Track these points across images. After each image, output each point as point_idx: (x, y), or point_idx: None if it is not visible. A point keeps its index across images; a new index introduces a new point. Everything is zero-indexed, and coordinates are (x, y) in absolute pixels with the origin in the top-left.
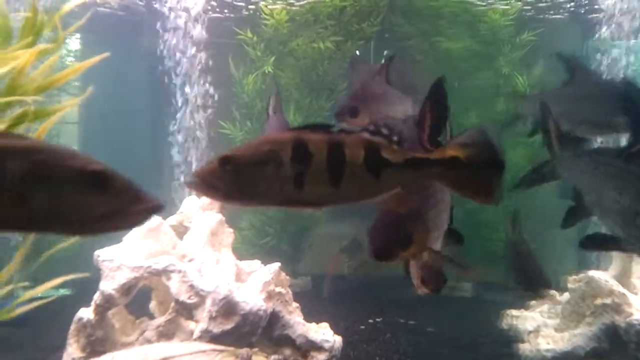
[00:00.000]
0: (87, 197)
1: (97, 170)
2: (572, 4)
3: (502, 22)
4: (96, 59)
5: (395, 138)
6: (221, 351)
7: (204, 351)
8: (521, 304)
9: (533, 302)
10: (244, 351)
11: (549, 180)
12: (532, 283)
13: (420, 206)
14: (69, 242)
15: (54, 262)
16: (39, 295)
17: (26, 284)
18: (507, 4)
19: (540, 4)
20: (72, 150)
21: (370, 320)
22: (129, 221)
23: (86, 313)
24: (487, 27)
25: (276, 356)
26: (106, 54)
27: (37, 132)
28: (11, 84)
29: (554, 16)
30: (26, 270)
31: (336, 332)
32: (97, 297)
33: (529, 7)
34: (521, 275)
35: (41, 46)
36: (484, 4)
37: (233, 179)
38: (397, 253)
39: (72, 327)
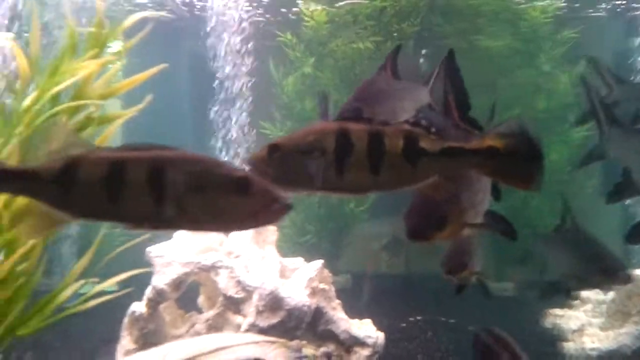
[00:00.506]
0: (234, 200)
1: (241, 177)
2: (611, 2)
3: (541, 20)
4: (155, 69)
5: (433, 129)
6: (272, 342)
7: (256, 342)
8: (564, 303)
9: (576, 302)
10: (295, 343)
11: (596, 160)
12: (608, 269)
13: (455, 187)
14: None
15: (103, 259)
16: (104, 289)
17: (96, 280)
18: (545, 2)
19: (576, 4)
20: (217, 159)
21: (411, 319)
22: (269, 219)
23: (139, 307)
24: (527, 24)
25: (324, 349)
26: (165, 65)
27: (101, 136)
28: (78, 92)
29: (594, 14)
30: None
31: (378, 329)
32: (149, 291)
33: (566, 5)
34: (591, 263)
35: (104, 58)
36: (523, 1)
37: (280, 166)
38: (433, 233)
39: (126, 320)
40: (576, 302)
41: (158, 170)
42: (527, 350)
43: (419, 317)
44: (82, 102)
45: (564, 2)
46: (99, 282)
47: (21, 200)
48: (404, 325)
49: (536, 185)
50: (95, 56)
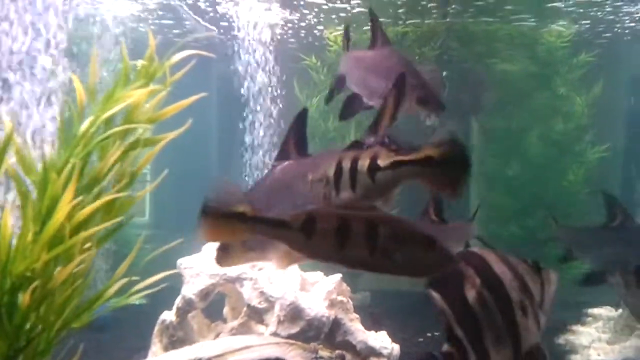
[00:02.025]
0: (423, 254)
1: (430, 236)
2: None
3: (558, 44)
4: (196, 97)
5: (393, 146)
6: (292, 344)
7: (277, 343)
8: (579, 319)
9: (589, 319)
10: (312, 345)
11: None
12: None
13: None
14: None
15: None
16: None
17: (137, 278)
18: (562, 27)
19: (598, 28)
20: (410, 220)
21: (429, 334)
22: (443, 269)
23: (169, 315)
24: (544, 48)
25: (339, 351)
26: (204, 94)
27: (146, 156)
28: (128, 117)
29: (617, 34)
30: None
31: (394, 342)
32: (178, 300)
33: (584, 29)
34: None
35: (152, 87)
36: (538, 25)
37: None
38: None
39: (156, 328)
40: (589, 319)
41: (373, 226)
42: None
43: (436, 333)
44: (132, 125)
45: (577, 26)
46: (139, 281)
47: (81, 215)
48: (421, 340)
49: (460, 191)
50: (144, 86)
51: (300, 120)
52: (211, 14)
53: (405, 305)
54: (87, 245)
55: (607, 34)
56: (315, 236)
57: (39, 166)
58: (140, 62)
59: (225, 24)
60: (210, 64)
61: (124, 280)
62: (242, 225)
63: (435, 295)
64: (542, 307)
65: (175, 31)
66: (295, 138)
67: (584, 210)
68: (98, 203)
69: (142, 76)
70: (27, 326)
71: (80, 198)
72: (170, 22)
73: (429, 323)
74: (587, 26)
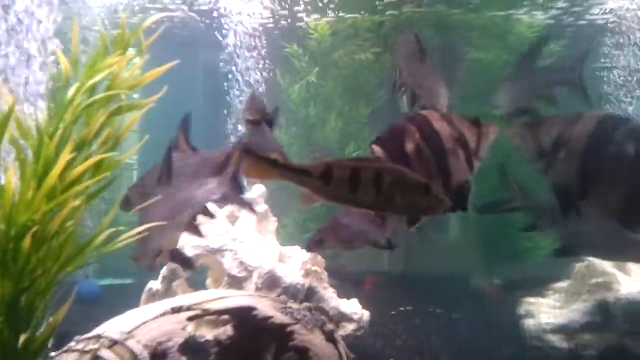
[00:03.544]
0: (421, 197)
1: (426, 183)
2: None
3: (529, 34)
4: (171, 64)
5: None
6: (263, 297)
7: (250, 295)
8: (541, 293)
9: (550, 292)
10: (282, 298)
11: None
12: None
13: None
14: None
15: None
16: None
17: (124, 228)
18: (531, 18)
19: (562, 18)
20: (409, 170)
21: (402, 308)
22: (439, 212)
23: (155, 284)
24: (516, 38)
25: (307, 304)
26: (177, 61)
27: (128, 122)
28: (110, 85)
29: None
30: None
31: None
32: (164, 270)
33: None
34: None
35: (129, 55)
36: (512, 14)
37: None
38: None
39: (143, 296)
40: (550, 292)
41: (379, 175)
42: (495, 330)
43: (409, 307)
44: (114, 92)
45: (547, 16)
46: (126, 231)
47: (73, 174)
48: (394, 313)
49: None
50: (122, 55)
51: (186, 122)
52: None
53: (383, 284)
54: (79, 199)
55: (577, 24)
56: (332, 182)
57: (34, 132)
58: (115, 32)
59: (206, 8)
60: (197, 54)
61: (111, 230)
62: (274, 169)
63: (376, 149)
64: (477, 154)
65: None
66: (185, 135)
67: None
68: (88, 163)
69: (118, 46)
70: (30, 269)
71: (72, 155)
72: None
73: (403, 300)
74: (558, 16)
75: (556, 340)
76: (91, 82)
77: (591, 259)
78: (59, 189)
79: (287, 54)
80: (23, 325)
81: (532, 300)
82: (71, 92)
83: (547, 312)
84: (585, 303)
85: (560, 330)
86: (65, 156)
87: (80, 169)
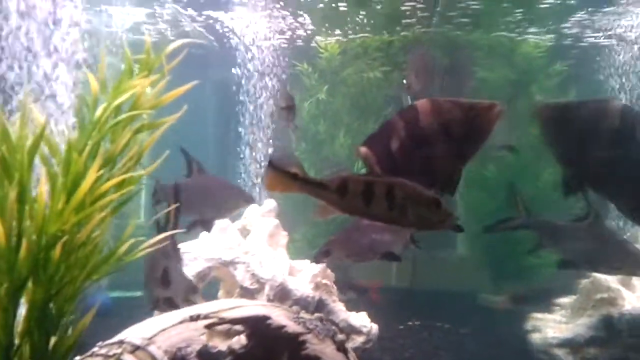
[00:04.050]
0: (429, 211)
1: (435, 198)
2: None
3: (535, 54)
4: (191, 84)
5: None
6: (277, 306)
7: (264, 305)
8: (548, 309)
9: (557, 307)
10: (294, 308)
11: None
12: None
13: None
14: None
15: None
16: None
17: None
18: (538, 39)
19: (565, 41)
20: (419, 185)
21: (410, 323)
22: (447, 228)
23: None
24: (521, 58)
25: (319, 314)
26: (197, 82)
27: (150, 138)
28: (134, 104)
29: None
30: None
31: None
32: None
33: (558, 41)
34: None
35: (153, 77)
36: (517, 37)
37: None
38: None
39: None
40: (556, 307)
41: (391, 189)
42: (503, 344)
43: (417, 322)
44: (137, 112)
45: (553, 36)
46: (144, 241)
47: (100, 188)
48: (402, 327)
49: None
50: (146, 77)
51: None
52: (208, 22)
53: (390, 299)
54: (105, 212)
55: (581, 44)
56: (347, 196)
57: (62, 149)
58: (140, 57)
59: (219, 28)
60: (206, 71)
61: (132, 240)
62: (294, 182)
63: (362, 149)
64: (472, 139)
65: (172, 38)
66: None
67: (555, 210)
68: (115, 180)
69: (143, 68)
70: (58, 276)
71: (100, 172)
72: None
73: (410, 314)
74: (564, 37)
75: (561, 353)
76: (116, 102)
77: (596, 274)
78: (87, 202)
79: (297, 72)
80: (52, 329)
81: (538, 315)
82: (99, 111)
83: (552, 326)
84: (590, 318)
85: (566, 344)
86: (94, 171)
87: (108, 184)
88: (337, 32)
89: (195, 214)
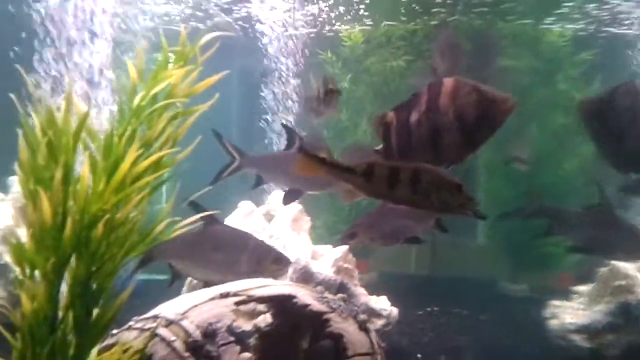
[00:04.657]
0: (451, 195)
1: (457, 182)
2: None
3: (559, 42)
4: (221, 74)
5: None
6: (302, 286)
7: (290, 284)
8: (567, 297)
9: (575, 295)
10: (319, 288)
11: None
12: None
13: None
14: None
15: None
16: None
17: (179, 218)
18: (561, 27)
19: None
20: (442, 170)
21: (429, 309)
22: (467, 211)
23: None
24: (546, 47)
25: (342, 294)
26: (227, 71)
27: (182, 126)
28: (169, 93)
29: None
30: None
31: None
32: None
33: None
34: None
35: (187, 68)
36: (542, 25)
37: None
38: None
39: (184, 288)
40: (575, 295)
41: (415, 174)
42: (519, 330)
43: (435, 308)
44: (172, 100)
45: (581, 25)
46: (179, 221)
47: (138, 169)
48: (421, 313)
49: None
50: (182, 67)
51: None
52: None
53: (410, 285)
54: (142, 193)
55: (606, 33)
56: (372, 180)
57: (100, 135)
58: (175, 49)
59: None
60: (231, 59)
61: (168, 220)
62: (322, 166)
63: (390, 114)
64: (478, 129)
65: (201, 26)
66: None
67: (577, 197)
68: (152, 159)
69: (178, 59)
70: (100, 254)
71: (138, 153)
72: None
73: (429, 300)
74: (588, 26)
75: (579, 339)
76: (153, 91)
77: (615, 262)
78: (127, 183)
79: (320, 61)
80: (93, 303)
81: (557, 302)
82: (137, 99)
83: (570, 313)
84: (607, 304)
85: (583, 330)
86: (132, 153)
87: (144, 164)
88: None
89: (288, 184)
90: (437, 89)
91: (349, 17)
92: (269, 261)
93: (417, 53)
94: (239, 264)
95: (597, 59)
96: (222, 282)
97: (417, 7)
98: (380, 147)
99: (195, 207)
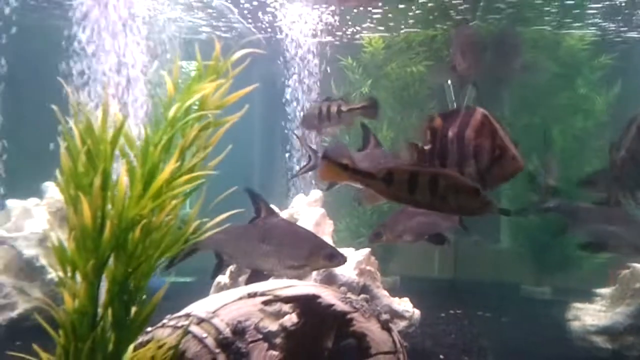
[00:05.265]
0: (469, 199)
1: (475, 187)
2: None
3: (579, 47)
4: (250, 87)
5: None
6: (326, 287)
7: (314, 285)
8: (589, 300)
9: (597, 298)
10: (342, 289)
11: None
12: None
13: None
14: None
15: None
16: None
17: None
18: (581, 32)
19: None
20: (460, 175)
21: (451, 311)
22: (485, 212)
23: (223, 278)
24: (565, 51)
25: (364, 295)
26: (256, 85)
27: (214, 136)
28: (201, 105)
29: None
30: None
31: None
32: (232, 266)
33: (601, 35)
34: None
35: (219, 81)
36: (561, 31)
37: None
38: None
39: (212, 289)
40: (597, 298)
41: (434, 178)
42: (541, 332)
43: (458, 311)
44: (204, 112)
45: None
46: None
47: (175, 179)
48: (443, 315)
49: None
50: (214, 80)
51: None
52: (259, 15)
53: (433, 289)
54: (177, 199)
55: (627, 36)
56: (393, 184)
57: (137, 143)
58: (209, 63)
59: (269, 18)
60: (251, 65)
61: (198, 221)
62: (344, 172)
63: (438, 119)
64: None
65: (225, 35)
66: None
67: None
68: (190, 176)
69: (211, 72)
70: (136, 255)
71: (178, 164)
72: (223, 29)
73: (451, 303)
74: (608, 29)
75: (600, 341)
76: (187, 103)
77: (636, 265)
78: (164, 190)
79: (341, 66)
80: (131, 301)
81: (579, 305)
82: (172, 110)
83: (592, 314)
84: (628, 307)
85: (604, 331)
86: (172, 164)
87: (184, 178)
88: (382, 28)
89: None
90: (467, 118)
91: (371, 25)
92: (320, 256)
93: (437, 59)
94: (292, 255)
95: (616, 62)
96: (271, 271)
97: (436, 14)
98: (425, 146)
99: (253, 196)
